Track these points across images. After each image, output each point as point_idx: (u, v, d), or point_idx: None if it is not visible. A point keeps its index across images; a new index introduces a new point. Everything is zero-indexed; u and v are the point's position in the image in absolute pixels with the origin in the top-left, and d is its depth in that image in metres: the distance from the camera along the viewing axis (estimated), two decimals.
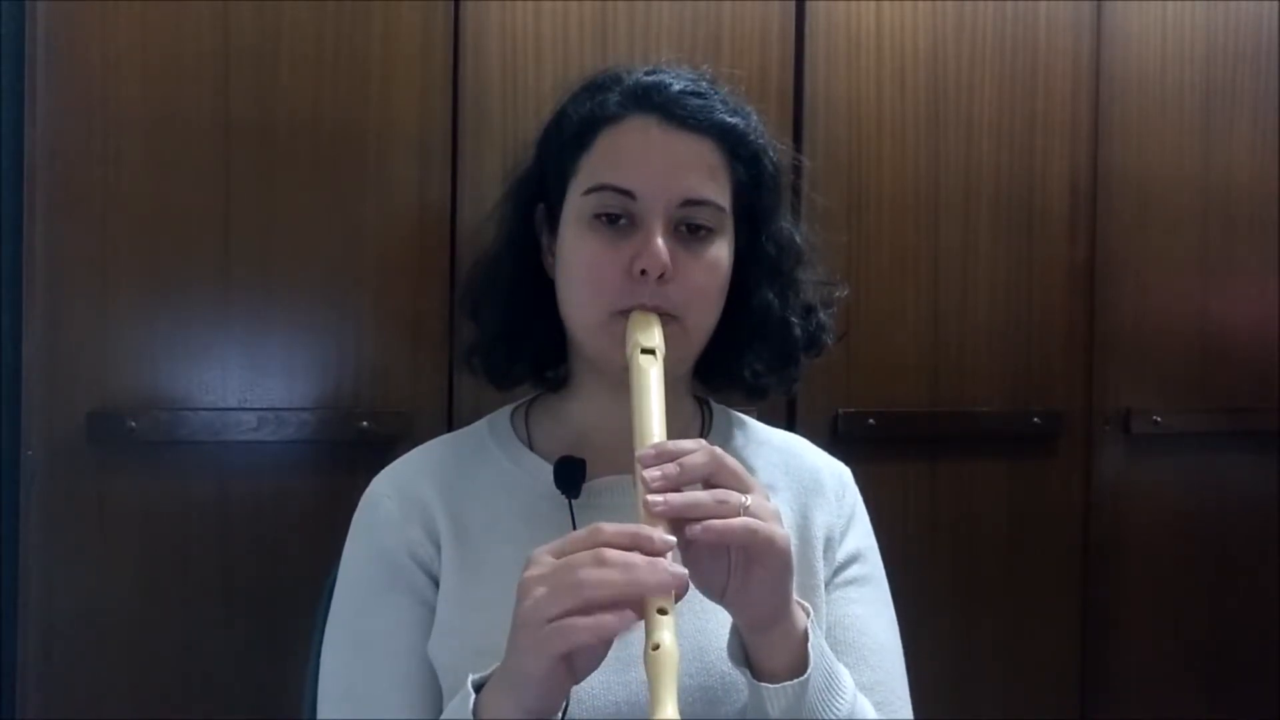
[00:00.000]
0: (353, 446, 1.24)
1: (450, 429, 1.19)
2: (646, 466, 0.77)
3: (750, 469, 0.97)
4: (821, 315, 1.04)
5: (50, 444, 1.16)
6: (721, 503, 0.75)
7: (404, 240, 1.27)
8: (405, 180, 1.27)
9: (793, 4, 1.43)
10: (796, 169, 1.07)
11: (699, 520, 0.74)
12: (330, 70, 1.24)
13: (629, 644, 0.85)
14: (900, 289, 1.50)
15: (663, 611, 0.73)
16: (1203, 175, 1.69)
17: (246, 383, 1.22)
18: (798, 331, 1.01)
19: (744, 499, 0.76)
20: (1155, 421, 1.64)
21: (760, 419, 1.10)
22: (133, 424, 1.17)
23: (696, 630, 0.89)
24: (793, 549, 0.79)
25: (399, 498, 0.96)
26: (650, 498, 0.75)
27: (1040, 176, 1.57)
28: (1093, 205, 1.60)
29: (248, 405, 1.22)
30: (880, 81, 1.48)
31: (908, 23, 1.49)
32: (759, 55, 1.41)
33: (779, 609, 0.80)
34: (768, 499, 0.79)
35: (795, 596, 0.81)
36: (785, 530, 0.77)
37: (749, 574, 0.77)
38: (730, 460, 0.78)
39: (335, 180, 1.25)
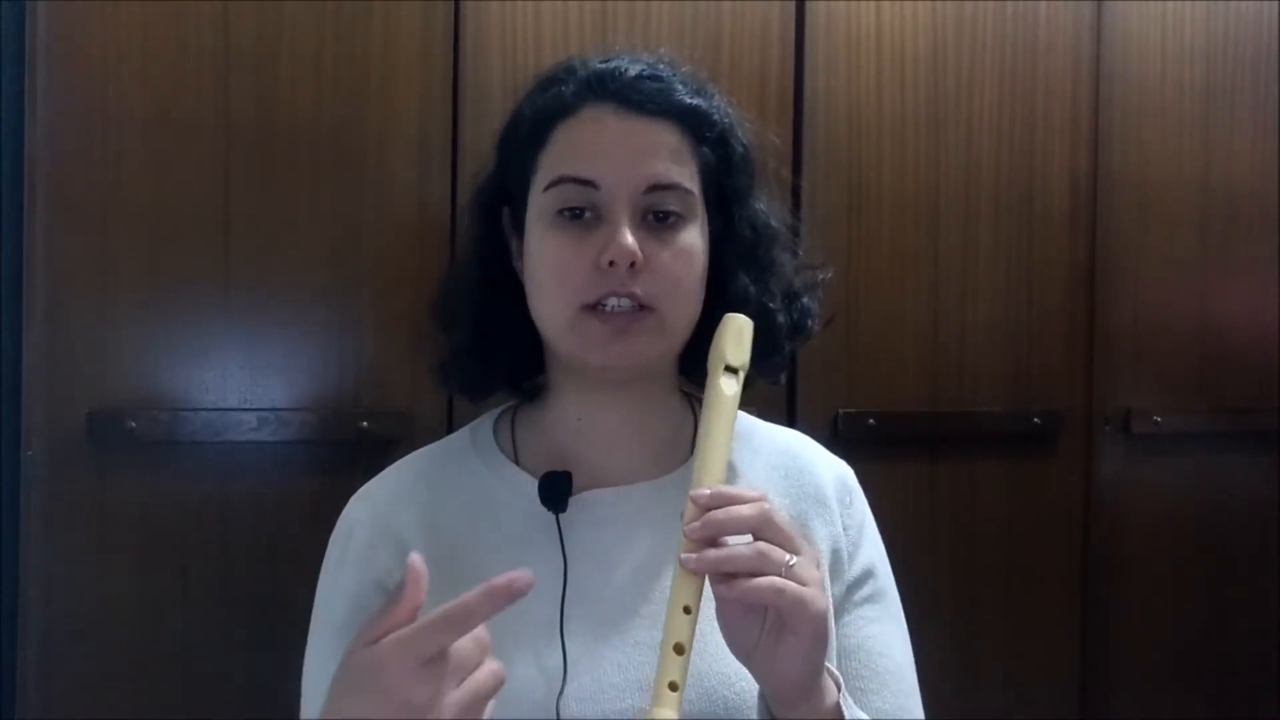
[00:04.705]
0: (353, 446, 1.24)
1: (450, 429, 1.19)
2: (696, 507, 0.75)
3: (736, 474, 0.94)
4: (805, 300, 1.00)
5: (50, 444, 1.16)
6: (762, 556, 0.73)
7: (404, 240, 1.27)
8: (405, 180, 1.27)
9: (793, 4, 1.43)
10: (797, 163, 1.05)
11: (735, 575, 0.73)
12: (330, 70, 1.24)
13: (638, 627, 0.85)
14: (900, 289, 1.50)
15: (687, 611, 0.73)
16: (1203, 175, 1.69)
17: (246, 383, 1.22)
18: (780, 318, 0.96)
19: (788, 559, 0.73)
20: (1155, 421, 1.64)
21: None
22: (133, 424, 1.17)
23: (696, 652, 0.83)
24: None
25: (371, 525, 0.93)
26: (683, 556, 0.73)
27: (1040, 176, 1.57)
28: (1093, 205, 1.60)
29: (248, 405, 1.22)
30: (880, 81, 1.48)
31: (908, 23, 1.49)
32: (759, 55, 1.41)
33: (808, 681, 0.77)
34: (817, 565, 0.77)
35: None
36: (825, 601, 0.75)
37: (780, 639, 0.74)
38: (780, 518, 0.76)
39: (335, 180, 1.25)
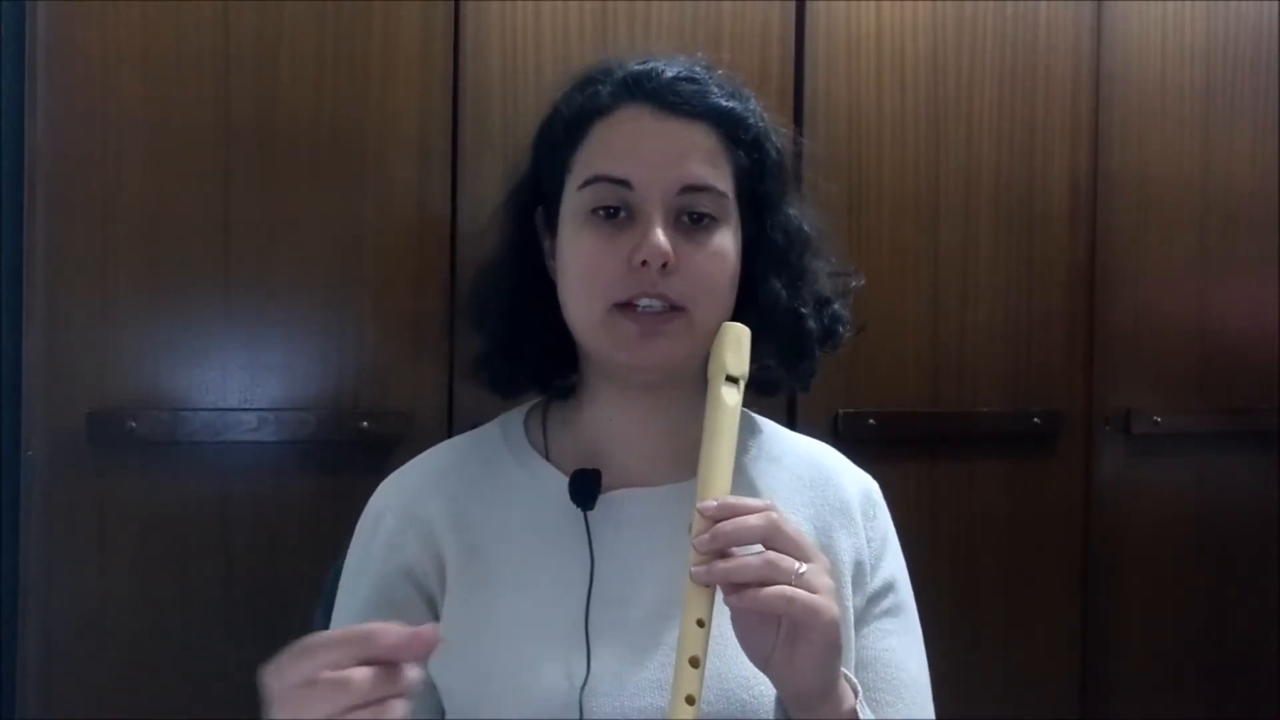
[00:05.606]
0: (353, 446, 1.24)
1: (450, 430, 1.20)
2: (704, 519, 0.75)
3: (756, 489, 0.94)
4: (836, 306, 1.00)
5: (50, 444, 1.16)
6: (771, 565, 0.73)
7: (404, 240, 1.27)
8: (405, 181, 1.27)
9: (793, 4, 1.44)
10: (798, 155, 1.05)
11: (746, 585, 0.73)
12: (330, 70, 1.24)
13: (660, 627, 0.86)
14: (900, 289, 1.50)
15: (700, 624, 0.73)
16: (1203, 175, 1.69)
17: (246, 383, 1.22)
18: (810, 324, 0.96)
19: (798, 566, 0.73)
20: (1155, 421, 1.64)
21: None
22: (133, 424, 1.17)
23: (714, 655, 0.83)
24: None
25: (400, 512, 0.93)
26: (693, 570, 0.73)
27: (1040, 176, 1.57)
28: (1093, 205, 1.60)
29: (248, 405, 1.22)
30: (880, 81, 1.48)
31: (908, 23, 1.50)
32: (759, 55, 1.41)
33: (823, 687, 0.77)
34: (828, 572, 0.76)
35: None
36: (836, 609, 0.75)
37: (794, 647, 0.74)
38: (789, 526, 0.75)
39: (335, 181, 1.25)
